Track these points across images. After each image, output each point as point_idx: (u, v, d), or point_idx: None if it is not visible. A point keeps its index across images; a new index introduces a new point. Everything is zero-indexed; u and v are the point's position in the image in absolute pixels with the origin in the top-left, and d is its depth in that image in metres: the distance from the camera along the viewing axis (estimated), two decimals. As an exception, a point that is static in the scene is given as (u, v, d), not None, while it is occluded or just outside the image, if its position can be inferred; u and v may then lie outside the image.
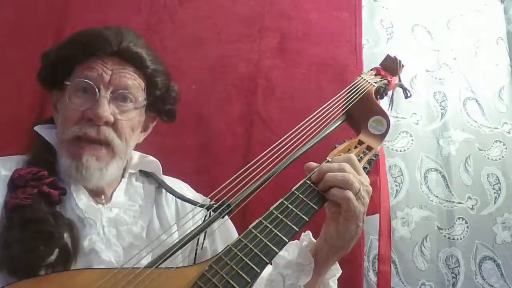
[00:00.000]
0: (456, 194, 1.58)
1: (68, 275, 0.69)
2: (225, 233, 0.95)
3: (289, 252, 0.82)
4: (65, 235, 0.75)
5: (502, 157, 1.66)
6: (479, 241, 1.55)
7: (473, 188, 1.60)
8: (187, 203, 0.94)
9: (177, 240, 0.72)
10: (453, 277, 1.50)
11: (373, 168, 0.96)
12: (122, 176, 0.92)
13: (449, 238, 1.54)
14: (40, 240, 0.72)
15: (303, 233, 0.86)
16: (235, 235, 0.95)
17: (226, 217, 0.77)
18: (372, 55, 1.66)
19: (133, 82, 0.86)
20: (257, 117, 1.45)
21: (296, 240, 0.84)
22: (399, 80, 1.06)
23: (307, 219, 0.73)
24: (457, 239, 1.54)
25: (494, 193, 1.61)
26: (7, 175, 0.80)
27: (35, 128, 0.90)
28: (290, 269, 0.80)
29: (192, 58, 1.44)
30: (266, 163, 0.77)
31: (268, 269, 0.82)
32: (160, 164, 0.98)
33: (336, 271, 0.87)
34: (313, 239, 0.85)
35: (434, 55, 1.74)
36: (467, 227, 1.55)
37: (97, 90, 0.82)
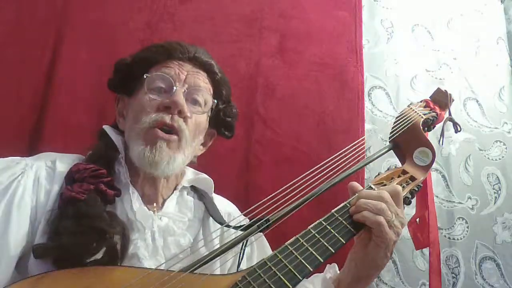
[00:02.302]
0: (456, 194, 1.58)
1: (106, 269, 0.70)
2: (261, 248, 0.96)
3: (314, 283, 0.85)
4: (117, 236, 0.75)
5: (502, 157, 1.66)
6: (479, 241, 1.55)
7: (473, 188, 1.60)
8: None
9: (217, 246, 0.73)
10: (453, 277, 1.50)
11: (424, 204, 0.98)
12: (175, 188, 0.94)
13: (449, 238, 1.54)
14: (94, 236, 0.72)
15: (328, 265, 0.88)
16: (269, 251, 0.96)
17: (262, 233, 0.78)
18: (372, 55, 1.66)
19: (205, 85, 0.93)
20: (257, 117, 1.45)
21: (322, 273, 0.87)
22: (449, 114, 1.07)
23: (344, 242, 0.74)
24: (457, 239, 1.54)
25: (494, 193, 1.61)
26: (64, 171, 0.81)
27: (104, 127, 0.93)
28: None
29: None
30: (306, 183, 0.79)
31: None
32: (212, 182, 1.00)
33: None
34: (338, 271, 0.87)
35: (434, 55, 1.74)
36: (467, 227, 1.55)
37: (173, 83, 0.88)
